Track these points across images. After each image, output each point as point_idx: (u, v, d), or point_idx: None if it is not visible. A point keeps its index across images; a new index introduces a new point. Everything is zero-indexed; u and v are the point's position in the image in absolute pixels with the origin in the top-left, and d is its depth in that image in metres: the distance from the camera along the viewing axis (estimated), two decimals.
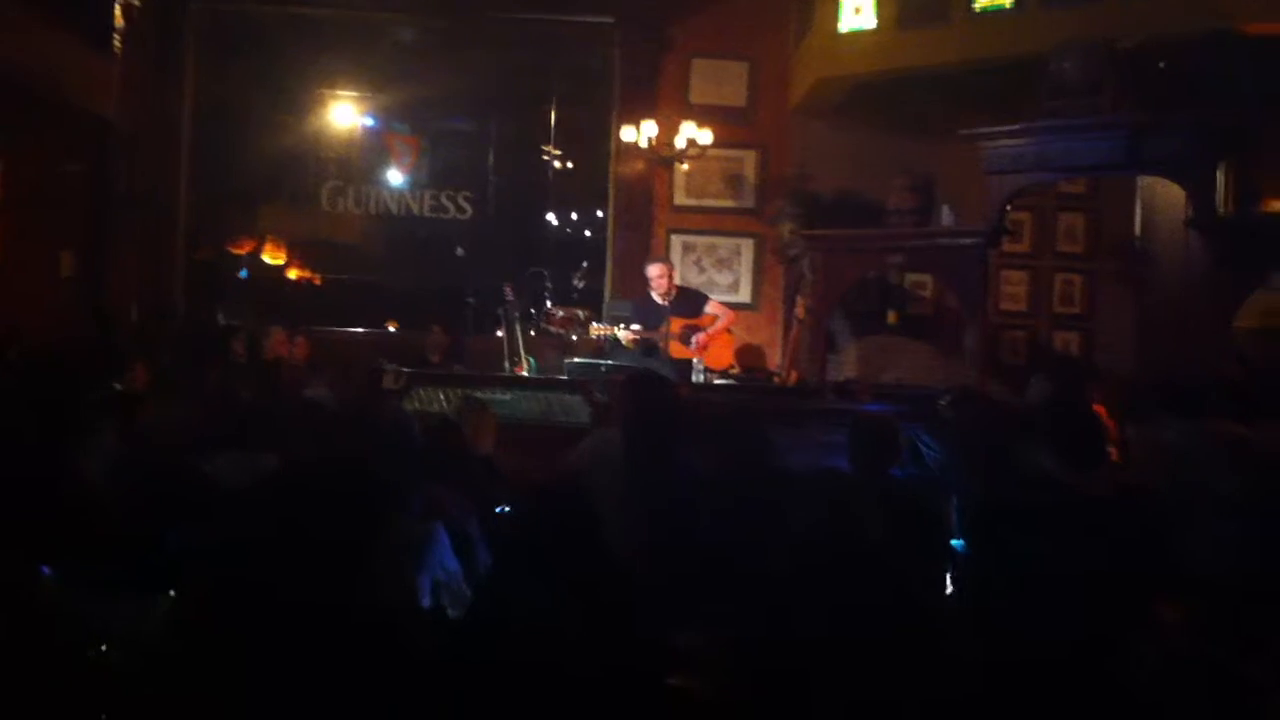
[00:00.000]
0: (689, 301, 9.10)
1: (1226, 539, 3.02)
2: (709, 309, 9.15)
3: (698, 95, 10.93)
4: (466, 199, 11.79)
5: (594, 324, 9.01)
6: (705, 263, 11.05)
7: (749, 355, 10.48)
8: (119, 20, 10.11)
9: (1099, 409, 6.90)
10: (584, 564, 3.07)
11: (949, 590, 3.95)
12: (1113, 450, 6.48)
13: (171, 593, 3.18)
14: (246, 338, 9.22)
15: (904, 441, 4.98)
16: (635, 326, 8.79)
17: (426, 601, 3.61)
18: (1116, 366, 9.25)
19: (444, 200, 11.81)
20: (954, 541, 4.40)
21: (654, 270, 9.07)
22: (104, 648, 2.98)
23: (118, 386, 7.05)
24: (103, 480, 4.40)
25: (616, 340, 8.80)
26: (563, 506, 3.29)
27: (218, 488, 4.09)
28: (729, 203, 11.07)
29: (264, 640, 2.74)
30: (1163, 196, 9.25)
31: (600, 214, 11.56)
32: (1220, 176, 7.61)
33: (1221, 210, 7.63)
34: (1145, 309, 9.68)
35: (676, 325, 8.83)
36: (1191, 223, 8.00)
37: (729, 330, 9.25)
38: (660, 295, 8.97)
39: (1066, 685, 2.58)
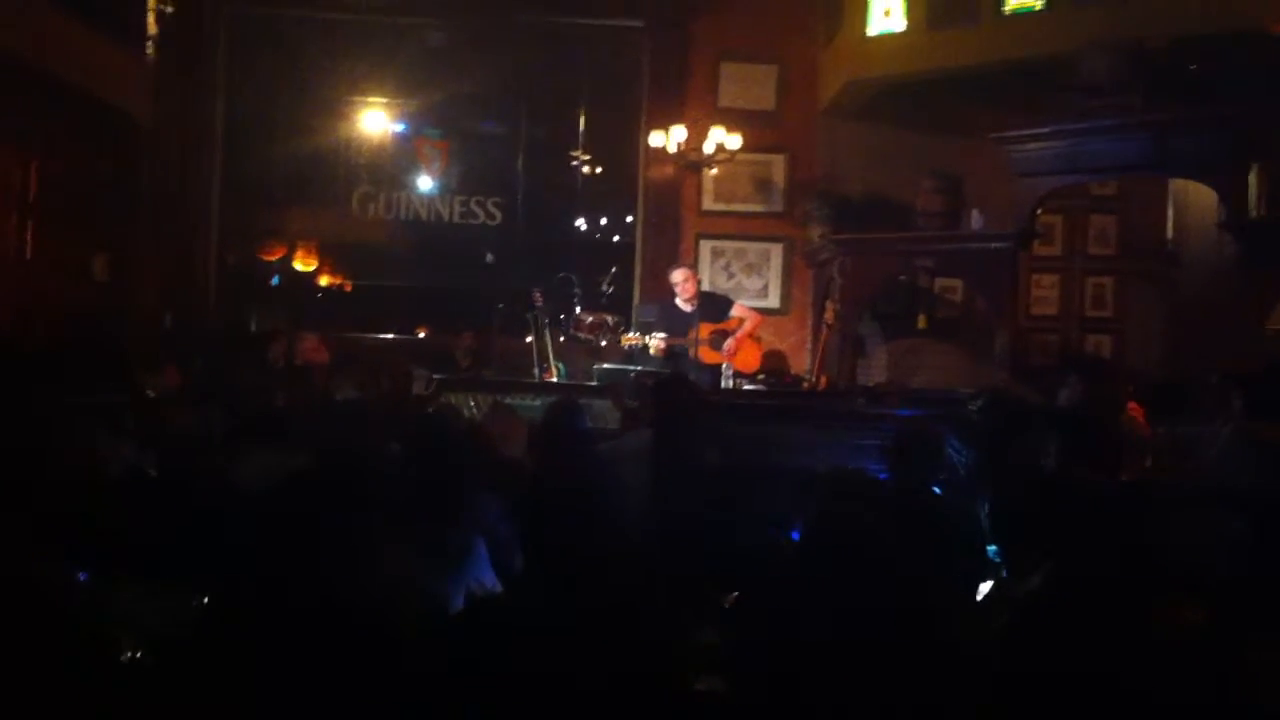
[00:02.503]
0: (714, 306, 9.08)
1: (1253, 539, 3.01)
2: (735, 312, 9.13)
3: (726, 98, 10.93)
4: (496, 204, 11.81)
5: (625, 334, 8.99)
6: (734, 268, 11.05)
7: (777, 360, 10.46)
8: (152, 27, 10.21)
9: (1135, 412, 6.89)
10: (602, 558, 3.08)
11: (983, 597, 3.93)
12: (1147, 456, 6.47)
13: (203, 596, 3.20)
14: (286, 343, 9.27)
15: (942, 452, 4.96)
16: (662, 335, 8.76)
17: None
18: (1148, 369, 9.20)
19: (473, 206, 11.82)
20: (989, 548, 4.40)
21: (677, 276, 9.05)
22: (137, 653, 3.00)
23: (150, 392, 7.11)
24: (134, 482, 4.44)
25: (646, 348, 8.79)
26: (584, 502, 3.30)
27: (250, 490, 4.11)
28: (758, 207, 11.06)
29: (294, 643, 2.76)
30: (1195, 198, 9.20)
31: (629, 219, 11.57)
32: (1252, 178, 7.55)
33: (1254, 212, 7.57)
34: (1176, 311, 9.63)
35: (705, 330, 8.81)
36: (1223, 225, 7.95)
37: (756, 335, 9.23)
38: (685, 301, 8.95)
39: (1089, 689, 2.57)
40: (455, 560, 3.75)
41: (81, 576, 3.24)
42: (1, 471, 3.69)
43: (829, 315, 9.76)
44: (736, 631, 3.35)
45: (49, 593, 2.97)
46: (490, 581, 3.84)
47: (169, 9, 10.41)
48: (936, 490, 4.81)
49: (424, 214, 11.89)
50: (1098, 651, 2.64)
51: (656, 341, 8.71)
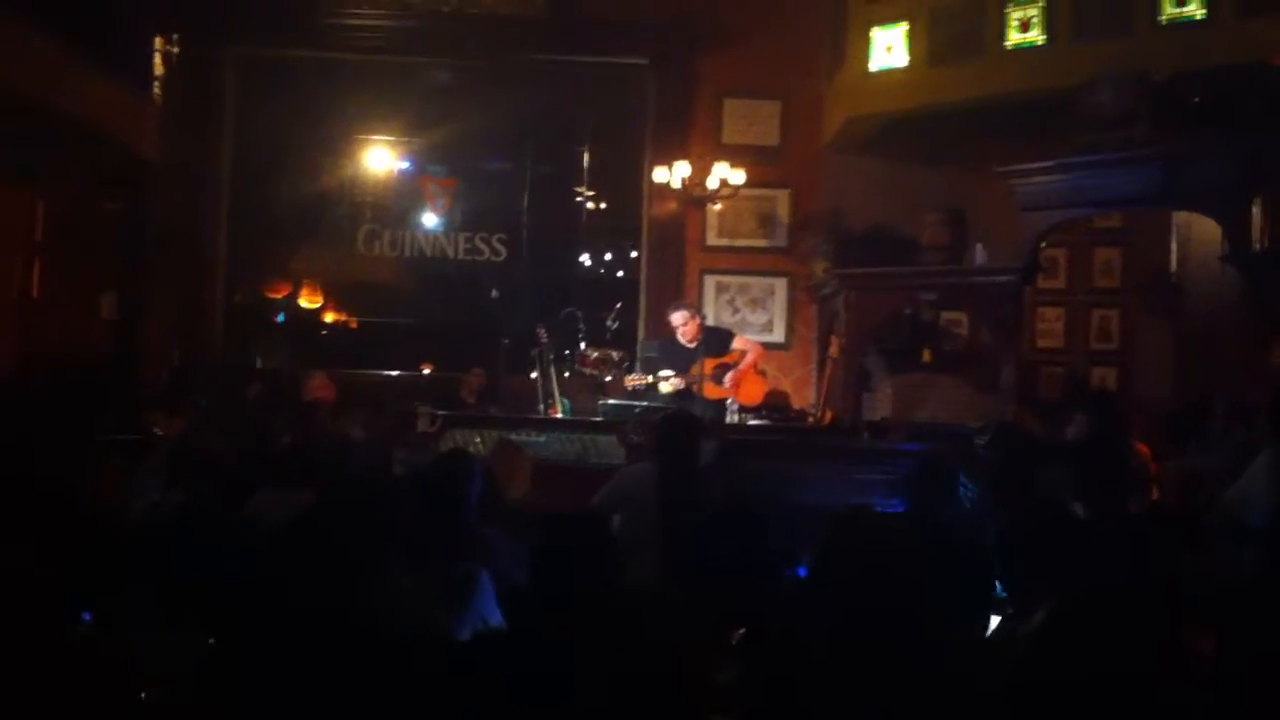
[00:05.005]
0: (716, 340, 9.05)
1: (1260, 564, 3.01)
2: (736, 345, 9.11)
3: (730, 135, 10.97)
4: (501, 241, 11.87)
5: (631, 373, 8.98)
6: (739, 302, 11.05)
7: (781, 394, 10.45)
8: (159, 68, 10.28)
9: (1142, 448, 6.88)
10: (606, 594, 3.07)
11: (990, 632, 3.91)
12: (1154, 489, 6.45)
13: (211, 635, 3.19)
14: (266, 380, 9.27)
15: (957, 483, 4.97)
16: (666, 372, 8.75)
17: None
18: (1154, 401, 9.18)
19: (478, 243, 11.89)
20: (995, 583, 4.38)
21: (677, 318, 8.98)
22: (144, 694, 2.99)
23: (157, 430, 7.12)
24: (141, 520, 4.44)
25: (652, 385, 8.77)
26: (585, 538, 3.30)
27: (257, 528, 4.11)
28: (761, 242, 11.08)
29: (303, 680, 2.75)
30: (1199, 230, 9.21)
31: (634, 254, 11.60)
32: (1256, 211, 7.56)
33: (1257, 245, 7.58)
34: (1181, 343, 9.62)
35: (709, 366, 8.81)
36: (1227, 257, 7.96)
37: (760, 368, 9.21)
38: (687, 341, 8.92)
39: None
40: (461, 595, 3.75)
41: (86, 616, 3.24)
42: (12, 510, 3.69)
43: (834, 349, 9.75)
44: (745, 668, 3.34)
45: (59, 631, 2.97)
46: (495, 618, 3.84)
47: (176, 49, 10.49)
48: (946, 522, 4.80)
49: (429, 251, 11.95)
50: (1107, 685, 2.62)
51: (673, 382, 8.67)
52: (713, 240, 11.04)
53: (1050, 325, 10.47)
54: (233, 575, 3.40)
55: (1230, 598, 3.05)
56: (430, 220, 11.98)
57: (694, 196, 10.34)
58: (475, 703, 2.69)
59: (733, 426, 8.67)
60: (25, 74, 7.83)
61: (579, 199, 11.89)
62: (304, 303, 11.66)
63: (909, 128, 9.65)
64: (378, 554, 3.39)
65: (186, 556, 3.67)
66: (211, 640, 3.11)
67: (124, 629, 3.18)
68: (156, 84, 10.22)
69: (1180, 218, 9.56)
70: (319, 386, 9.07)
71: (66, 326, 8.94)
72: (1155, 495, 6.46)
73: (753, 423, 8.96)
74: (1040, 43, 8.74)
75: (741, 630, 3.75)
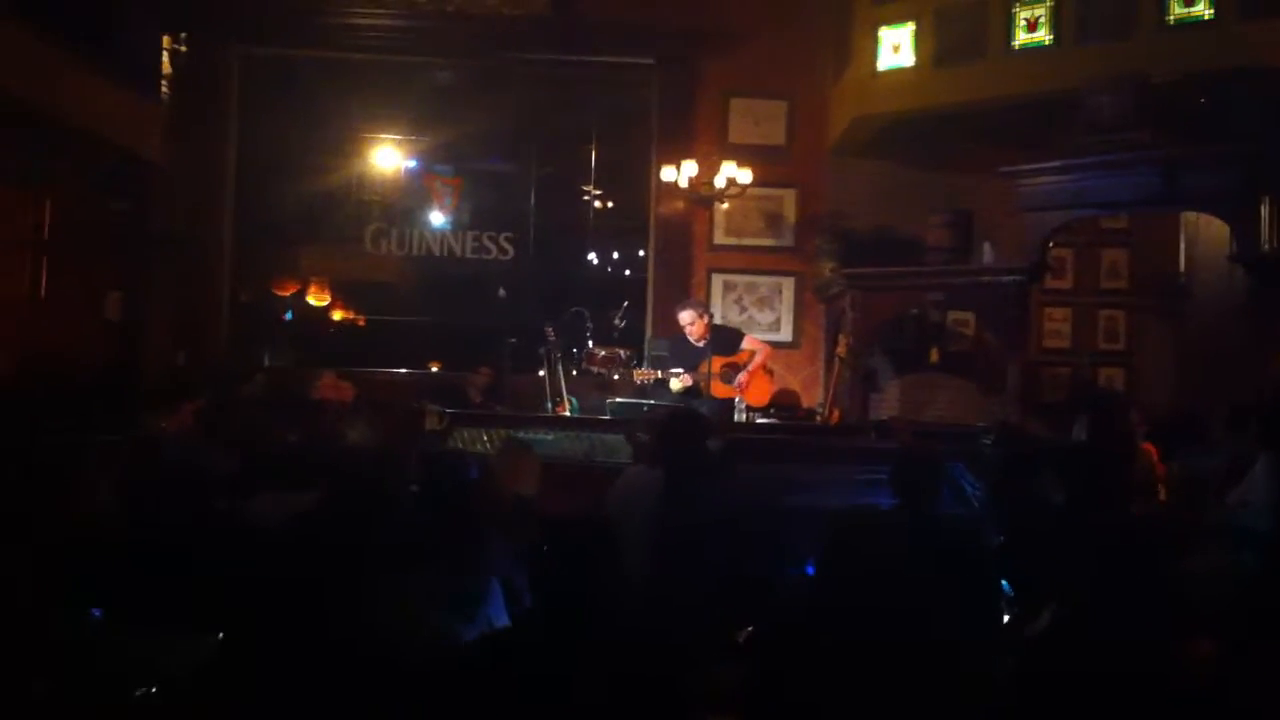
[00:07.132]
0: (725, 339, 9.05)
1: (1260, 568, 3.01)
2: (745, 345, 9.11)
3: (736, 134, 10.97)
4: (508, 240, 11.87)
5: (639, 368, 8.97)
6: (746, 301, 11.06)
7: (788, 393, 10.45)
8: (166, 66, 10.30)
9: (1149, 449, 6.87)
10: (607, 597, 3.07)
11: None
12: (1160, 488, 6.45)
13: (216, 634, 3.20)
14: (268, 377, 9.26)
15: (946, 478, 4.96)
16: (679, 370, 8.75)
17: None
18: (1160, 402, 9.17)
19: (485, 241, 11.89)
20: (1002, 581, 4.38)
21: (685, 317, 8.96)
22: (150, 689, 3.00)
23: (165, 426, 7.12)
24: (144, 520, 4.44)
25: (660, 383, 8.78)
26: (587, 542, 3.30)
27: (260, 529, 4.11)
28: (768, 241, 11.08)
29: (306, 681, 2.76)
30: (1207, 231, 9.20)
31: (640, 253, 11.61)
32: (1263, 211, 7.55)
33: (1265, 245, 7.57)
34: (1188, 344, 9.61)
35: (717, 364, 8.80)
36: (1235, 258, 7.95)
37: (768, 368, 9.21)
38: (695, 339, 8.92)
39: None
40: (471, 604, 3.75)
41: (95, 612, 3.25)
42: (15, 511, 3.70)
43: (841, 349, 9.75)
44: (751, 666, 3.34)
45: (62, 633, 2.98)
46: (502, 623, 3.85)
47: (182, 48, 10.51)
48: (950, 519, 4.80)
49: (436, 250, 11.95)
50: (1111, 687, 2.63)
51: (682, 379, 8.67)
52: (720, 239, 11.05)
53: (1057, 325, 10.47)
54: (235, 578, 3.41)
55: (1231, 601, 3.06)
56: (437, 219, 11.99)
57: (701, 195, 10.35)
58: (479, 704, 2.70)
59: (739, 425, 8.66)
60: (28, 78, 7.85)
61: (586, 198, 11.89)
62: (312, 300, 11.68)
63: (915, 128, 9.65)
64: (382, 558, 3.39)
65: (189, 559, 3.68)
66: (215, 641, 3.13)
67: (128, 628, 3.19)
68: (163, 85, 10.22)
69: (1189, 218, 9.55)
70: (327, 386, 9.06)
71: (71, 326, 8.95)
72: (1162, 496, 6.46)
73: (760, 421, 8.96)
74: (1047, 43, 8.73)
75: (749, 629, 3.77)
